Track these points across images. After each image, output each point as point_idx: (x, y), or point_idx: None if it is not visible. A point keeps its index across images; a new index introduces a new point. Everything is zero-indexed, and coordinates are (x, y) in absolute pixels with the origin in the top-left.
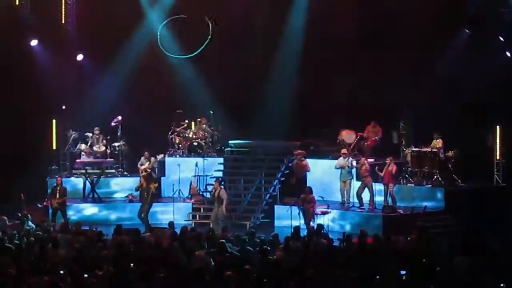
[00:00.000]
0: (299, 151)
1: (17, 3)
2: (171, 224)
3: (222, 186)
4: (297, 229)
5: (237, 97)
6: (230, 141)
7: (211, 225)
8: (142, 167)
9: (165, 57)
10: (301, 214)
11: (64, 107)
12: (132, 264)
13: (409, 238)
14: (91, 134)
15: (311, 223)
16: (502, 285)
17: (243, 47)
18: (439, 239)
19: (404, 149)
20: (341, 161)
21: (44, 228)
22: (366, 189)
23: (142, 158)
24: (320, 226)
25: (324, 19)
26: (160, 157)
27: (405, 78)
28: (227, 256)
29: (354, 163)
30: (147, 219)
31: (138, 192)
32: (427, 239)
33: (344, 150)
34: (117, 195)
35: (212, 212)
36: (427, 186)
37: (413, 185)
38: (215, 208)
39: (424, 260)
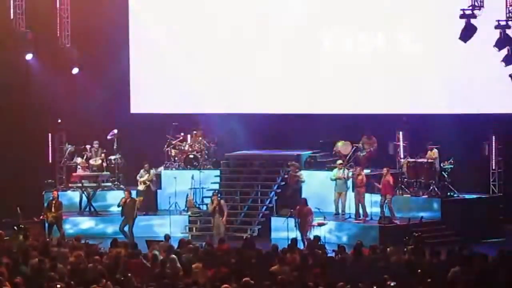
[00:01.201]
0: (293, 162)
1: (11, 17)
2: (167, 237)
3: (219, 198)
4: (294, 241)
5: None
6: (226, 154)
7: (214, 236)
8: (141, 179)
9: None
10: (297, 226)
11: (59, 120)
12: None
13: (405, 249)
14: (89, 147)
15: (308, 235)
16: None
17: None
18: (436, 250)
19: (400, 160)
20: (336, 172)
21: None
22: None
23: (142, 170)
24: (317, 238)
25: None
26: (159, 169)
27: (402, 88)
28: (225, 268)
29: (350, 174)
30: (131, 233)
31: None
32: (423, 249)
33: (340, 162)
34: (114, 209)
35: (214, 224)
36: (423, 196)
37: (409, 195)
38: (216, 219)
39: (420, 271)
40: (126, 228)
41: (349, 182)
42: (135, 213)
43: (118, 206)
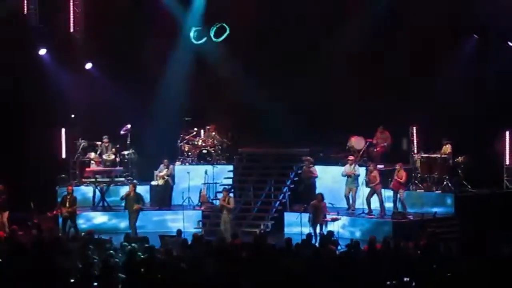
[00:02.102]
0: (307, 157)
1: (25, 12)
2: (179, 232)
3: (231, 195)
4: (308, 236)
5: (247, 104)
6: (240, 149)
7: (222, 232)
8: (161, 173)
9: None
10: (310, 221)
11: (73, 116)
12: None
13: (419, 244)
14: (100, 143)
15: (321, 230)
16: None
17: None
18: (449, 245)
19: (414, 155)
20: (347, 168)
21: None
22: (375, 195)
23: (161, 165)
24: (330, 233)
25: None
26: (177, 165)
27: (415, 84)
28: (238, 263)
29: (359, 170)
30: (134, 227)
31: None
32: (437, 245)
33: (350, 157)
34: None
35: (221, 220)
36: (436, 192)
37: (422, 191)
38: (224, 215)
39: (434, 266)
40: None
41: (360, 179)
42: (136, 207)
43: (121, 199)
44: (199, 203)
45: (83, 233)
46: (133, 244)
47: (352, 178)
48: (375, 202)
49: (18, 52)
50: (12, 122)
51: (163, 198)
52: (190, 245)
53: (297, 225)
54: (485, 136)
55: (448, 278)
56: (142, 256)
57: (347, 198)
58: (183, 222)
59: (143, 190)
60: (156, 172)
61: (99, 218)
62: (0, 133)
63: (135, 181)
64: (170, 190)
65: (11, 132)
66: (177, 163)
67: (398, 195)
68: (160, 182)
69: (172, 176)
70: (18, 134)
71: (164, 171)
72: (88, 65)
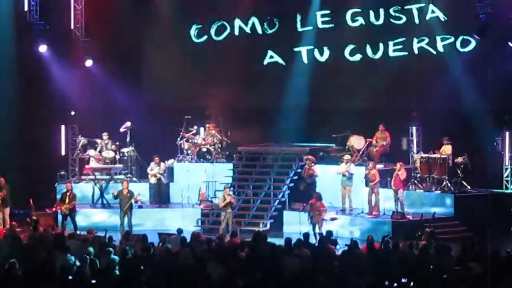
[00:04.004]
0: (309, 156)
1: (25, 9)
2: (180, 230)
3: (231, 193)
4: (306, 235)
5: (247, 103)
6: (239, 147)
7: (221, 231)
8: (152, 172)
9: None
10: (309, 220)
11: (73, 113)
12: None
13: (418, 244)
14: (99, 140)
15: (320, 229)
16: None
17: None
18: (449, 246)
19: (414, 155)
20: (341, 166)
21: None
22: (373, 195)
23: (152, 163)
24: (329, 233)
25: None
26: (169, 162)
27: (415, 83)
28: (237, 262)
29: (354, 169)
30: (130, 225)
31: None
32: (436, 245)
33: (346, 156)
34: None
35: (223, 219)
36: (436, 192)
37: (422, 191)
38: (226, 214)
39: (432, 266)
40: (125, 220)
41: (355, 177)
42: (129, 205)
43: (115, 197)
44: (199, 202)
45: (81, 232)
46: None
47: (346, 177)
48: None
49: (19, 49)
50: (12, 119)
51: (158, 197)
52: (189, 243)
53: (296, 224)
54: (485, 136)
55: (447, 279)
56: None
57: (344, 199)
58: (182, 220)
59: (142, 188)
60: (148, 170)
61: (98, 216)
62: (0, 130)
63: (127, 178)
64: (164, 188)
65: (11, 129)
66: (170, 161)
67: (398, 195)
68: (152, 180)
69: (164, 174)
70: (18, 131)
71: (156, 169)
72: (89, 62)
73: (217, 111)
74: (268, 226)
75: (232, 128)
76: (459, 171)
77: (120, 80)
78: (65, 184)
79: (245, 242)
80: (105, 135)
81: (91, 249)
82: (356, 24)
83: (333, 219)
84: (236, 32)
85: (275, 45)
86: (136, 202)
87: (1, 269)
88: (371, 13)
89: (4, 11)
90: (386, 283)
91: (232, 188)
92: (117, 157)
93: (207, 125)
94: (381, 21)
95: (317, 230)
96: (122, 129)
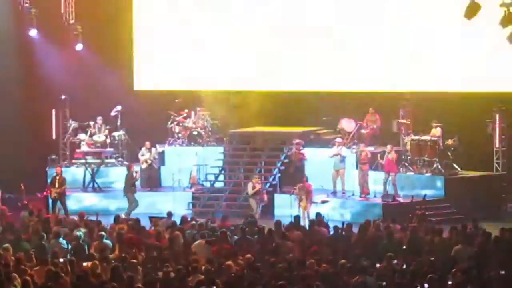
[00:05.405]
0: (298, 140)
1: None
2: (170, 213)
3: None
4: (296, 218)
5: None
6: (230, 130)
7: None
8: (143, 157)
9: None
10: (297, 203)
11: (63, 97)
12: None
13: (409, 227)
14: (93, 123)
15: (308, 212)
16: (502, 272)
17: None
18: (439, 228)
19: (404, 138)
20: (334, 149)
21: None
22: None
23: (143, 148)
24: (318, 215)
25: None
26: (160, 148)
27: (404, 65)
28: (228, 245)
29: (346, 152)
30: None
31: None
32: (426, 227)
33: (338, 139)
34: (117, 185)
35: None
36: (426, 174)
37: (412, 173)
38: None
39: (423, 249)
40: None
41: (347, 160)
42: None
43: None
44: (189, 185)
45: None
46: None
47: (339, 160)
48: (369, 184)
49: (9, 33)
50: (2, 103)
51: (149, 182)
52: (179, 226)
53: (287, 207)
54: (475, 119)
55: (436, 260)
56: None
57: (334, 182)
58: (173, 204)
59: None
60: (139, 156)
61: (90, 200)
62: None
63: (118, 161)
64: (155, 172)
65: (2, 113)
66: (160, 146)
67: (390, 178)
68: (144, 165)
69: (155, 159)
70: (8, 114)
71: (147, 155)
72: (79, 46)
73: (207, 94)
74: (260, 209)
75: (223, 112)
76: (449, 154)
77: (109, 64)
78: (55, 168)
79: (237, 226)
80: (99, 119)
81: (81, 233)
82: None
83: (324, 202)
84: None
85: None
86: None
87: None
88: None
89: None
90: (377, 265)
91: (223, 172)
92: (108, 141)
93: (198, 109)
94: None
95: (305, 213)
96: (112, 113)
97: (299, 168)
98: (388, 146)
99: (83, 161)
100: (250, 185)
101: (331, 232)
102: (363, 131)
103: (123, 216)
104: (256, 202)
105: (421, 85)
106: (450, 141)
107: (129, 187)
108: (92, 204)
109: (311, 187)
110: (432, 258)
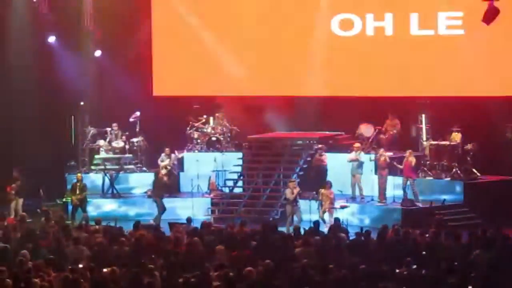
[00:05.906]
0: (320, 145)
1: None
2: (189, 219)
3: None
4: (316, 223)
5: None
6: (248, 136)
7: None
8: (163, 163)
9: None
10: (319, 208)
11: (82, 103)
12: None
13: (428, 232)
14: (110, 129)
15: (330, 218)
16: None
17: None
18: (458, 233)
19: (423, 142)
20: (352, 154)
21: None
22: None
23: (163, 154)
24: (337, 220)
25: None
26: (181, 154)
27: (425, 71)
28: (248, 251)
29: (364, 157)
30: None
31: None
32: (445, 232)
33: (356, 144)
34: (136, 191)
35: (290, 212)
36: (446, 179)
37: (431, 178)
38: (292, 207)
39: (442, 254)
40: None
41: (365, 165)
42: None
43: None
44: (208, 191)
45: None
46: None
47: (357, 165)
48: (388, 189)
49: (28, 39)
50: (22, 109)
51: (169, 188)
52: (199, 232)
53: (306, 213)
54: (494, 123)
55: (456, 266)
56: None
57: (353, 187)
58: (192, 209)
59: (151, 177)
60: (159, 162)
61: (109, 206)
62: (10, 121)
63: (137, 167)
64: (175, 178)
65: (21, 119)
66: (180, 153)
67: (409, 182)
68: (163, 171)
69: (174, 165)
70: (27, 121)
71: (167, 161)
72: (97, 53)
73: (226, 100)
74: (278, 214)
75: (242, 117)
76: (468, 158)
77: (128, 70)
78: (75, 174)
79: (256, 231)
80: (115, 125)
81: (100, 239)
82: None
83: (343, 207)
84: None
85: None
86: (146, 192)
87: (13, 260)
88: None
89: (18, 2)
90: (397, 270)
91: (242, 177)
92: (127, 147)
93: (216, 114)
94: None
95: (326, 218)
96: (131, 119)
97: (319, 173)
98: (407, 151)
99: (102, 167)
100: (288, 190)
101: (350, 238)
102: (381, 136)
103: (151, 222)
104: (293, 208)
105: (440, 90)
106: (469, 146)
107: (158, 191)
108: (111, 210)
109: (332, 194)
110: (452, 263)
